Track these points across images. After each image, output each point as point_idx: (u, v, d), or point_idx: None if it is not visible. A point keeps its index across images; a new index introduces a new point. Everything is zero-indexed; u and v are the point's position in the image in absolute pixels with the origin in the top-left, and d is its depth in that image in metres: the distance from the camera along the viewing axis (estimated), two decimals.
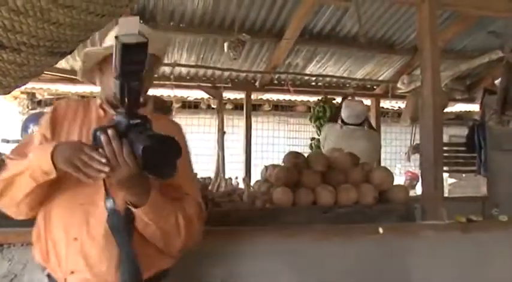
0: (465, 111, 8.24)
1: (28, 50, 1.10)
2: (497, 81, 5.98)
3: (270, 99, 7.49)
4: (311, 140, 6.20)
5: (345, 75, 6.58)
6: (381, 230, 2.79)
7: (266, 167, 3.50)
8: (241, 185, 3.96)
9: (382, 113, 7.43)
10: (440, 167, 3.22)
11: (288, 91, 6.41)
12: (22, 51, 1.10)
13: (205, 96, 6.92)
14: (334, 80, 6.66)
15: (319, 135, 5.79)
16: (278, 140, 7.86)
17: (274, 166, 3.36)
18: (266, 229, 2.68)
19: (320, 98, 6.20)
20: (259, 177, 3.66)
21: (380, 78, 6.81)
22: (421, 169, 3.37)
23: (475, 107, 7.23)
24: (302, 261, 2.65)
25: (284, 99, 7.50)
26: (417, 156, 6.98)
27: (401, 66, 6.48)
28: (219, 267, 2.48)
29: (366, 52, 6.01)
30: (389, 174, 3.36)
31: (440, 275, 2.86)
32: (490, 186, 4.90)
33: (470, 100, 7.22)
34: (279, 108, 7.82)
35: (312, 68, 6.35)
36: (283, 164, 3.29)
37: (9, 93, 1.44)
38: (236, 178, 4.60)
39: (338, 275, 2.68)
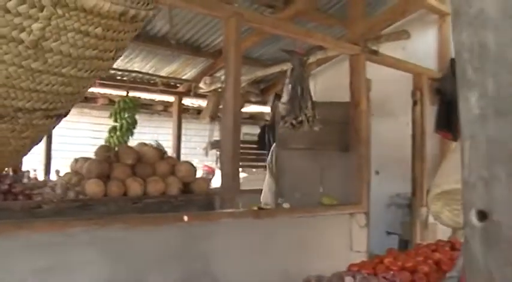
0: (258, 112, 8.99)
1: (25, 115, 1.05)
2: None
3: None
4: (109, 132, 5.92)
5: (150, 72, 6.76)
6: (185, 218, 3.06)
7: (76, 160, 3.56)
8: (41, 177, 3.93)
9: (183, 110, 7.79)
10: (237, 162, 3.60)
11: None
12: (20, 118, 1.05)
13: None
14: (140, 75, 6.79)
15: (121, 128, 5.86)
16: (81, 132, 7.68)
17: (85, 159, 3.45)
18: (80, 219, 2.76)
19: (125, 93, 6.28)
20: (59, 169, 3.69)
21: (184, 77, 7.14)
22: (220, 163, 3.74)
23: (266, 109, 8.00)
24: (115, 249, 2.76)
25: (87, 92, 7.36)
26: (214, 151, 7.55)
27: (204, 68, 6.87)
28: (35, 260, 2.48)
29: (173, 52, 6.28)
30: (193, 168, 3.71)
31: (237, 255, 3.27)
32: (277, 179, 5.60)
33: (263, 103, 7.98)
34: (82, 100, 7.61)
35: (119, 63, 6.39)
36: (94, 157, 3.40)
37: (11, 165, 1.34)
38: (35, 170, 4.49)
39: (148, 261, 2.86)
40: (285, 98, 3.93)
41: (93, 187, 3.05)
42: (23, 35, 0.97)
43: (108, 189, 3.11)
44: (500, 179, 0.49)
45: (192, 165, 3.63)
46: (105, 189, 3.10)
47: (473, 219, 0.50)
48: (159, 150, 3.62)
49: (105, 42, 1.12)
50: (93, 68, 1.16)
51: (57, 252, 2.56)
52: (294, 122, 3.84)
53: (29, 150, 1.40)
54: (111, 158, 3.32)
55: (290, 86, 3.99)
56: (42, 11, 0.99)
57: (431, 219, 5.07)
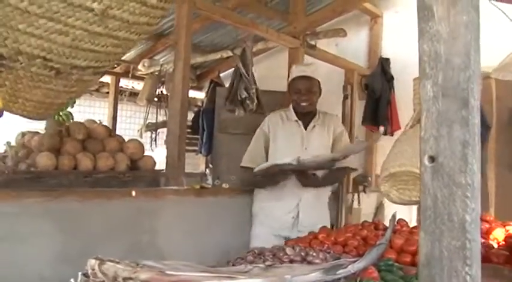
0: (192, 97, 9.13)
1: (79, 72, 1.16)
2: (222, 75, 7.04)
3: None
4: None
5: None
6: (133, 193, 3.22)
7: (23, 133, 3.61)
8: None
9: (120, 92, 7.80)
10: (183, 143, 3.76)
11: None
12: (73, 74, 1.15)
13: None
14: None
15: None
16: None
17: (33, 132, 3.51)
18: (34, 191, 2.81)
19: None
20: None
21: (122, 58, 7.15)
22: (167, 144, 3.92)
23: (201, 95, 8.16)
24: (67, 221, 2.83)
25: None
26: (149, 133, 7.63)
27: (144, 50, 6.94)
28: None
29: None
30: (141, 146, 3.86)
31: (180, 231, 3.47)
32: (214, 162, 5.83)
33: (198, 88, 8.15)
34: None
35: None
36: (45, 131, 3.47)
37: (56, 114, 1.40)
38: None
39: (98, 233, 2.96)
40: (247, 83, 4.15)
41: (45, 160, 3.13)
42: (94, 4, 1.13)
43: (60, 163, 3.20)
44: (444, 136, 0.79)
45: (140, 143, 3.78)
46: (56, 162, 3.19)
47: (426, 162, 0.80)
48: (108, 128, 3.74)
49: (157, 11, 1.29)
50: (141, 32, 1.33)
51: (10, 222, 2.61)
52: (251, 107, 4.09)
53: (71, 103, 1.53)
54: (62, 132, 3.40)
55: (243, 72, 4.21)
56: None
57: (355, 205, 5.52)
